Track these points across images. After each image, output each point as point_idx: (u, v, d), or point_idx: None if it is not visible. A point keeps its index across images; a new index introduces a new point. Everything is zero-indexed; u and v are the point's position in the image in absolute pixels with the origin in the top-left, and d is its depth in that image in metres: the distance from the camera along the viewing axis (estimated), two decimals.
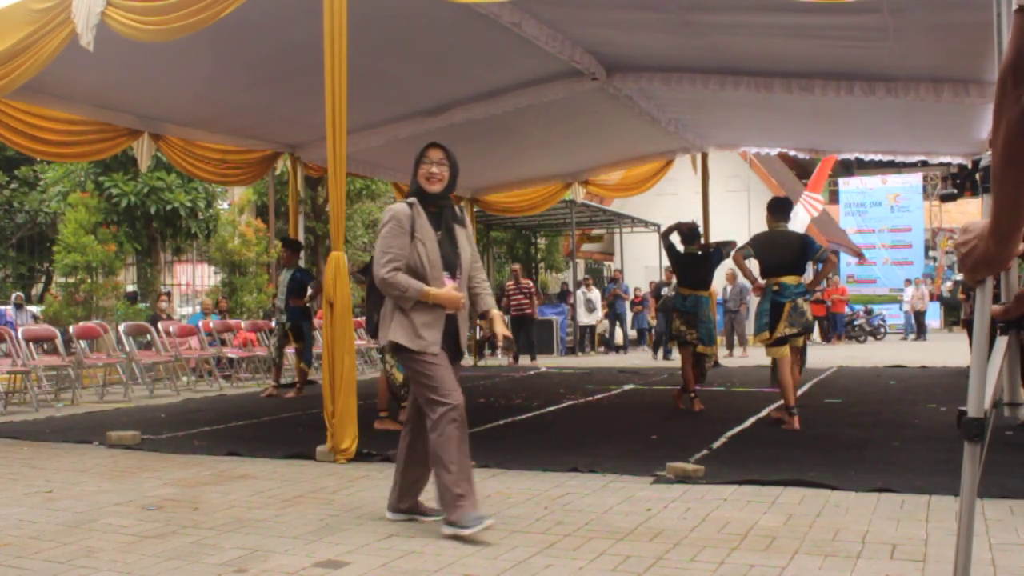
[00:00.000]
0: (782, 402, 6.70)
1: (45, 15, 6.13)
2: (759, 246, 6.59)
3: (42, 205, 16.22)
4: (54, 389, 9.95)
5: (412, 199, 3.74)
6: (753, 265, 6.64)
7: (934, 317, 24.63)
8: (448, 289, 3.66)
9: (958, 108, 8.44)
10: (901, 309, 23.15)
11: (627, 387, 10.00)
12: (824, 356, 14.85)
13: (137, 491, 4.62)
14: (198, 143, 9.84)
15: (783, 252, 6.52)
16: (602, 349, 18.76)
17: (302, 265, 10.15)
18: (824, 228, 23.00)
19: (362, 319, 13.95)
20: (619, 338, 18.85)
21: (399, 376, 6.86)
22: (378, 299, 3.89)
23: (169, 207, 13.94)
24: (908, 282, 23.20)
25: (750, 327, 16.95)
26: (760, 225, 7.30)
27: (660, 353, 15.79)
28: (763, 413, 7.03)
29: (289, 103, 9.01)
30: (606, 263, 25.52)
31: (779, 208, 6.80)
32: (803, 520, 3.70)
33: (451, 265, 3.72)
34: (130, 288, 15.11)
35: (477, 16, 6.77)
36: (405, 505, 3.89)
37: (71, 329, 9.94)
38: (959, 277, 16.98)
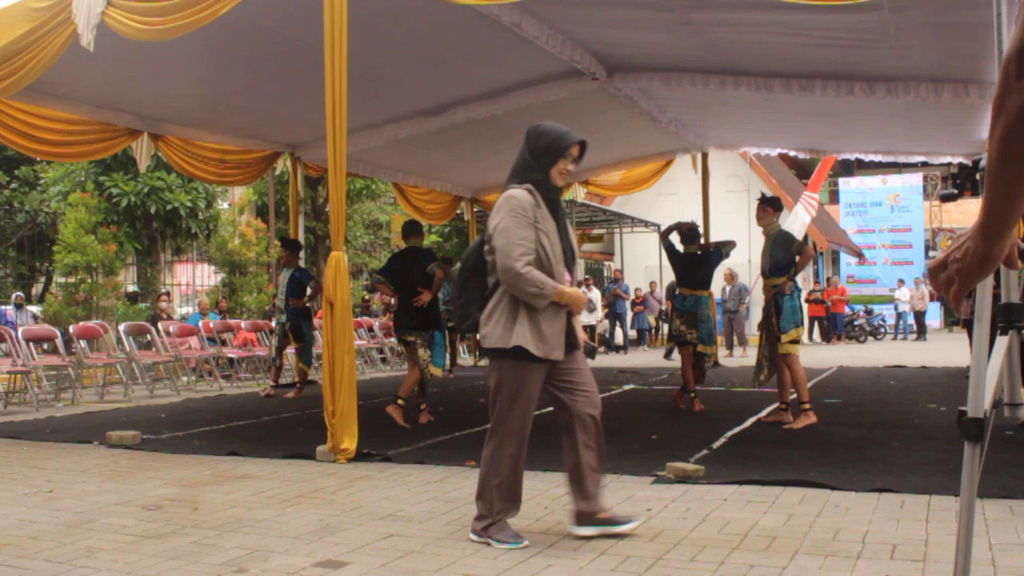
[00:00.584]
0: (778, 403, 6.72)
1: (44, 14, 6.13)
2: None
3: (42, 205, 16.23)
4: (54, 389, 9.95)
5: (530, 186, 3.41)
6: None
7: (934, 317, 24.62)
8: (573, 288, 3.43)
9: (958, 108, 8.45)
10: (896, 309, 23.12)
11: (627, 387, 10.00)
12: (824, 356, 14.84)
13: (137, 491, 4.62)
14: (197, 143, 9.84)
15: None
16: (602, 349, 18.76)
17: (302, 265, 10.15)
18: (824, 228, 23.00)
19: (363, 319, 14.03)
20: (619, 338, 18.85)
21: (437, 371, 7.00)
22: (475, 294, 3.52)
23: (169, 207, 13.95)
24: (901, 283, 23.18)
25: (750, 327, 16.98)
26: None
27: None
28: (763, 413, 7.03)
29: (289, 103, 9.01)
30: (606, 263, 25.52)
31: (782, 207, 6.90)
32: (803, 520, 3.70)
33: (569, 260, 3.48)
34: (130, 288, 15.12)
35: (477, 16, 6.77)
36: (602, 515, 3.48)
37: (71, 329, 9.94)
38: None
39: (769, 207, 6.69)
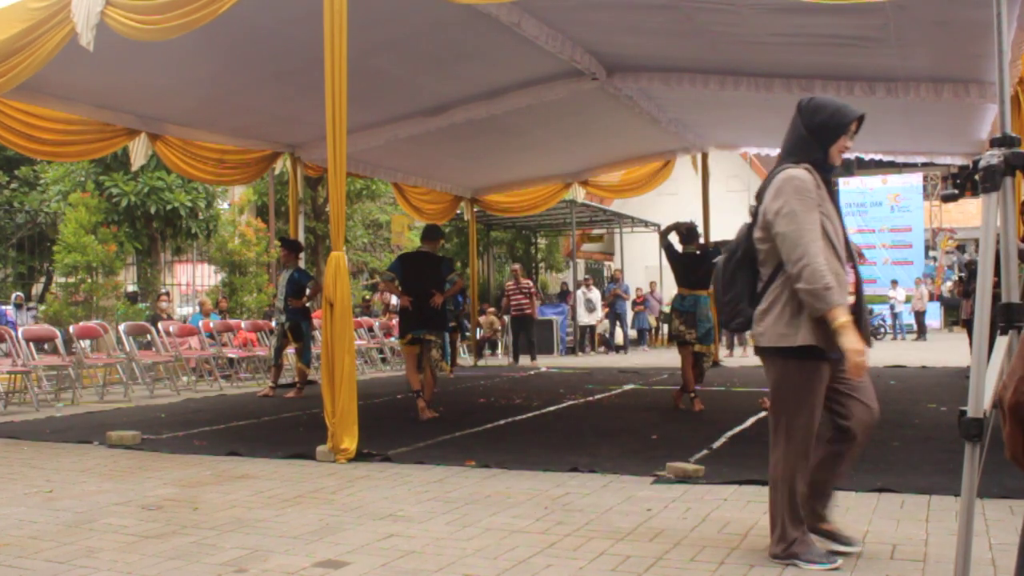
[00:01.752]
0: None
1: (42, 13, 6.12)
2: None
3: (42, 205, 16.21)
4: (54, 389, 9.94)
5: (808, 166, 3.04)
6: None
7: (934, 317, 24.61)
8: (852, 336, 2.86)
9: (958, 108, 8.44)
10: (892, 309, 23.10)
11: (627, 387, 10.00)
12: None
13: (137, 491, 4.62)
14: (196, 143, 9.83)
15: None
16: (602, 349, 18.76)
17: (302, 265, 10.14)
18: None
19: (362, 319, 14.02)
20: (619, 338, 18.86)
21: (447, 367, 7.58)
22: (744, 288, 3.15)
23: (169, 207, 13.93)
24: (895, 283, 23.18)
25: None
26: None
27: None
28: (763, 413, 7.03)
29: (289, 103, 9.01)
30: (606, 263, 25.54)
31: None
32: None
33: (849, 249, 3.12)
34: (130, 288, 15.11)
35: (477, 16, 6.77)
36: (827, 526, 3.22)
37: (71, 329, 9.94)
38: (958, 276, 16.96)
39: None
